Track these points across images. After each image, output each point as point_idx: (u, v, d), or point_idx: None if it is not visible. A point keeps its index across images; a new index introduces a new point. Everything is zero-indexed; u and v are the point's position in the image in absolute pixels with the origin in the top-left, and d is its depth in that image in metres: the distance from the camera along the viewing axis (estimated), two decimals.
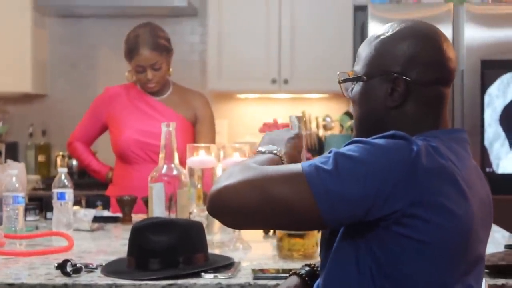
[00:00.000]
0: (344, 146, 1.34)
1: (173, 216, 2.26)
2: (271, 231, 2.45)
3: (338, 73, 1.53)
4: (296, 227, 1.58)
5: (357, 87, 1.47)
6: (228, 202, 1.31)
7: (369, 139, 1.32)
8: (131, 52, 3.10)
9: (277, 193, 1.29)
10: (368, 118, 1.46)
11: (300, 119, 2.12)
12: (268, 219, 1.33)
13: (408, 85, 1.40)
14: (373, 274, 1.31)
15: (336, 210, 1.27)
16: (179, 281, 1.76)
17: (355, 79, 1.47)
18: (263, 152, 1.55)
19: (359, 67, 1.47)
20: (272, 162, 1.49)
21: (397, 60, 1.41)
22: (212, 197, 1.33)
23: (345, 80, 1.51)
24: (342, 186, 1.26)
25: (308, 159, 2.26)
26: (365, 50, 1.47)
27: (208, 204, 1.34)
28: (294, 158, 1.60)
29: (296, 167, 1.31)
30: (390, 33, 1.44)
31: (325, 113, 4.80)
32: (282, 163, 1.53)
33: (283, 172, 1.32)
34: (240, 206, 1.30)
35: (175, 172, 2.29)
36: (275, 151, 1.54)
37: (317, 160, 1.31)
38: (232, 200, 1.31)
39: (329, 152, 1.32)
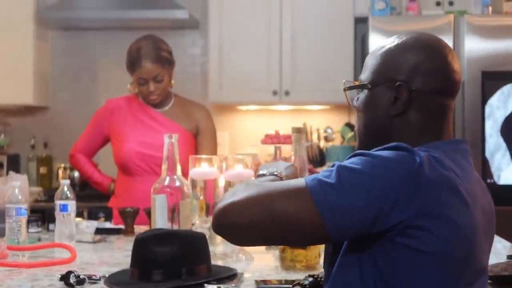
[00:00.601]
0: (347, 159, 1.34)
1: (175, 227, 2.26)
2: None
3: (343, 81, 1.55)
4: (301, 242, 1.57)
5: (362, 95, 1.49)
6: (233, 219, 1.32)
7: (372, 152, 1.33)
8: (133, 64, 3.12)
9: (281, 208, 1.29)
10: (371, 126, 1.47)
11: (301, 130, 2.14)
12: (273, 235, 1.33)
13: (411, 94, 1.41)
14: (376, 285, 1.31)
15: (340, 223, 1.27)
16: None
17: (360, 86, 1.48)
18: (264, 175, 1.59)
19: (364, 76, 1.48)
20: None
21: (401, 69, 1.42)
22: (217, 214, 1.34)
23: (350, 88, 1.53)
24: (346, 199, 1.26)
25: (309, 170, 2.28)
26: (371, 60, 1.48)
27: (213, 222, 1.35)
28: None
29: (300, 181, 1.32)
30: (395, 43, 1.46)
31: (326, 125, 4.82)
32: None
33: (286, 187, 1.33)
34: (245, 222, 1.31)
35: (177, 184, 2.30)
36: (276, 173, 1.59)
37: (320, 174, 1.32)
38: (237, 217, 1.31)
39: (332, 166, 1.32)
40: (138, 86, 3.15)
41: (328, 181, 1.28)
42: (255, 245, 1.43)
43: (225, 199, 1.35)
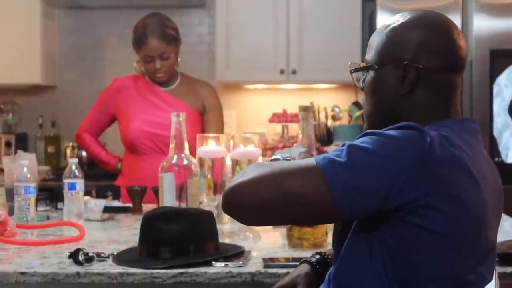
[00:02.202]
0: (357, 138, 1.34)
1: (183, 205, 2.27)
2: None
3: (349, 63, 1.53)
4: (311, 221, 1.56)
5: (369, 76, 1.48)
6: (242, 198, 1.31)
7: (382, 131, 1.32)
8: (139, 42, 3.11)
9: (291, 188, 1.29)
10: (379, 106, 1.47)
11: (308, 109, 2.14)
12: (284, 214, 1.32)
13: (419, 72, 1.41)
14: (386, 264, 1.31)
15: (351, 202, 1.27)
16: (190, 270, 1.78)
17: (366, 68, 1.48)
18: (278, 159, 1.57)
19: (370, 56, 1.47)
20: None
21: (407, 47, 1.41)
22: (227, 194, 1.33)
23: (356, 70, 1.51)
24: (357, 178, 1.26)
25: (317, 149, 2.28)
26: (376, 39, 1.47)
27: (223, 202, 1.34)
28: None
29: (310, 161, 1.31)
30: (400, 21, 1.45)
31: (334, 103, 4.81)
32: None
33: (297, 166, 1.32)
34: (255, 202, 1.30)
35: (185, 162, 2.31)
36: (289, 158, 1.57)
37: (331, 153, 1.31)
38: (247, 196, 1.30)
39: (343, 145, 1.32)
40: (145, 64, 3.14)
41: (339, 160, 1.28)
42: (264, 225, 1.42)
43: (235, 179, 1.34)
